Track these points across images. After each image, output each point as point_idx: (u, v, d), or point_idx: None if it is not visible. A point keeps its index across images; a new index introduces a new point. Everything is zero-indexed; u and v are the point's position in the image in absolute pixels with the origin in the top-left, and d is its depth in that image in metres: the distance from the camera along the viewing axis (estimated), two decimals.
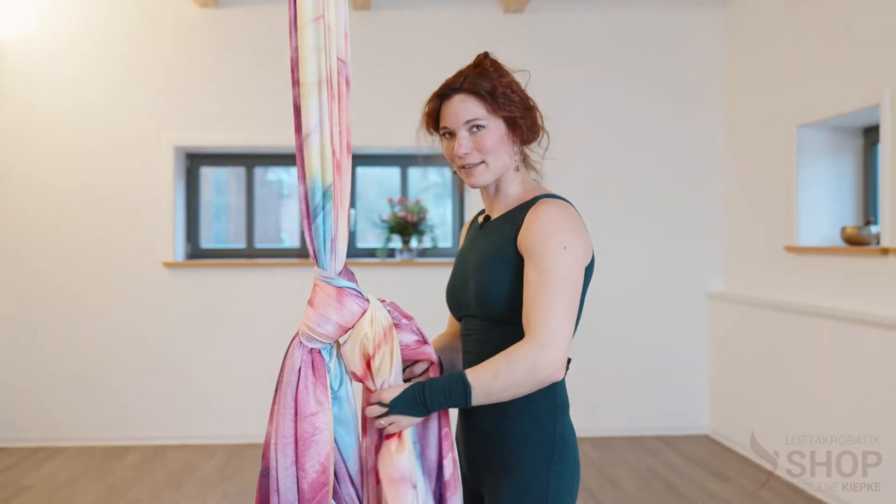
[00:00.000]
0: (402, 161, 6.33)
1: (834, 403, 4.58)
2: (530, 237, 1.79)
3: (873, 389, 4.26)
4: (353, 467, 1.85)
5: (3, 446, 5.77)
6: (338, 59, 1.76)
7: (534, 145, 2.02)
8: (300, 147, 1.77)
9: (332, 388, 1.81)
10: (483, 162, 1.90)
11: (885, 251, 4.28)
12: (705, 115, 6.16)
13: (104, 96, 5.89)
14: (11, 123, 5.84)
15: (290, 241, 6.64)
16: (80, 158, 5.87)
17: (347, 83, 1.78)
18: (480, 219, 2.06)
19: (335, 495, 1.81)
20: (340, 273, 1.82)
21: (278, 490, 1.76)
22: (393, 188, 6.44)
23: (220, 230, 6.56)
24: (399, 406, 1.75)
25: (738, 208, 5.94)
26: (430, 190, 6.59)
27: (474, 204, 6.01)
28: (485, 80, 1.88)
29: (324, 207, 1.77)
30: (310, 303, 1.82)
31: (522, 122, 1.90)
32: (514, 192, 1.96)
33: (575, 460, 1.88)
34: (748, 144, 5.79)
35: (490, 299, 1.84)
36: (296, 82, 1.77)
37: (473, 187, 1.95)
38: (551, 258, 1.75)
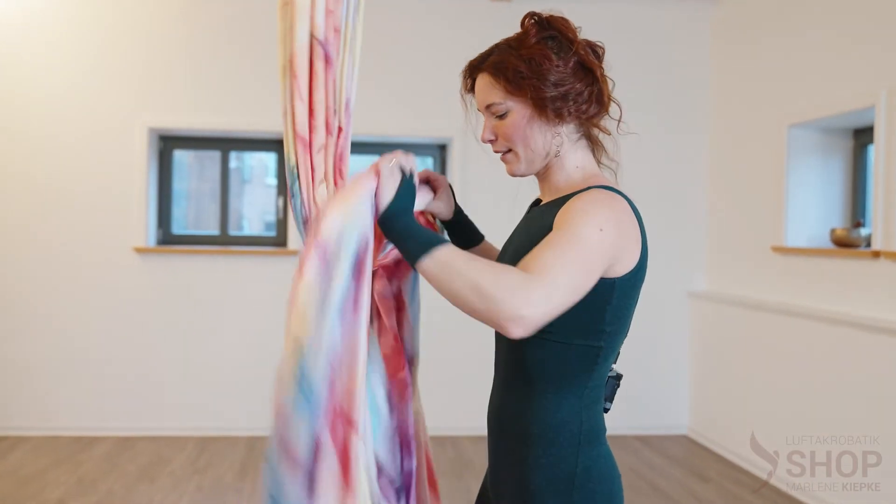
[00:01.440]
0: (381, 149, 6.19)
1: (819, 405, 4.55)
2: (564, 212, 1.53)
3: (860, 392, 4.23)
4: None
5: None
6: (311, 37, 1.64)
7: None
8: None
9: None
10: (511, 150, 1.68)
11: (876, 254, 4.25)
12: (692, 112, 6.12)
13: (77, 77, 5.69)
14: None
15: (250, 228, 6.50)
16: (50, 139, 5.66)
17: (328, 61, 1.64)
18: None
19: None
20: None
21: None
22: None
23: (179, 215, 6.37)
24: (402, 184, 1.54)
25: (724, 207, 5.90)
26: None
27: (467, 193, 5.90)
28: (508, 54, 1.63)
29: (292, 187, 1.67)
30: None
31: (552, 102, 1.60)
32: (563, 179, 1.69)
33: (605, 498, 1.60)
34: (736, 143, 5.75)
35: None
36: None
37: (512, 175, 1.73)
38: (582, 228, 1.47)
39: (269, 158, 6.37)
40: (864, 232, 4.63)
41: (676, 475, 5.09)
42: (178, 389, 5.76)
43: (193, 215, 6.51)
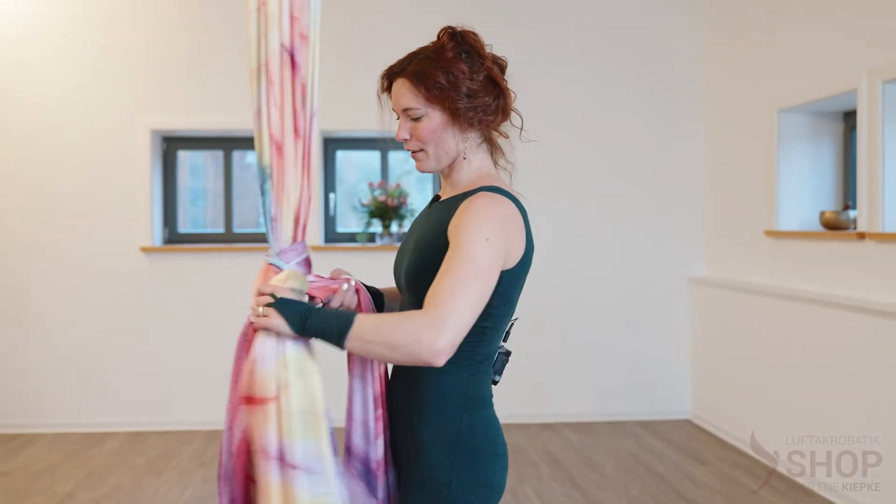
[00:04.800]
0: (383, 144, 6.29)
1: (815, 387, 4.59)
2: (455, 225, 1.74)
3: (854, 373, 4.27)
4: None
5: None
6: (280, 45, 1.81)
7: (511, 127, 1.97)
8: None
9: None
10: (423, 150, 1.88)
11: (862, 235, 4.29)
12: (685, 98, 6.15)
13: (79, 79, 5.82)
14: None
15: (258, 226, 6.61)
16: (54, 142, 5.80)
17: (294, 66, 1.80)
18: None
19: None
20: (282, 253, 1.82)
21: (221, 450, 1.84)
22: (373, 172, 6.41)
23: (197, 214, 6.50)
24: (283, 306, 1.72)
25: (719, 193, 5.94)
26: (412, 174, 6.56)
27: None
28: (428, 65, 1.82)
29: (263, 187, 1.81)
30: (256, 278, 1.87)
31: (465, 112, 1.81)
32: (463, 179, 1.90)
33: (489, 456, 1.82)
34: (728, 128, 5.78)
35: (418, 282, 1.82)
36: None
37: (421, 171, 1.95)
38: (471, 246, 1.68)
39: None
40: (852, 214, 4.67)
41: (674, 459, 5.14)
42: (187, 385, 5.88)
43: (212, 214, 6.62)
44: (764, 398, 5.09)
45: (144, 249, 5.83)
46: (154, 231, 5.92)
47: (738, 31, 5.67)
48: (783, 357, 4.91)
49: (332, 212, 6.21)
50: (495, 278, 1.71)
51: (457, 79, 1.80)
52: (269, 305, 1.73)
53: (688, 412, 6.15)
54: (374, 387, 1.87)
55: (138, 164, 5.86)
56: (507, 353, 1.92)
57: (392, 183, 6.24)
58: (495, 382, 1.90)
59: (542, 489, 4.59)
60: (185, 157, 6.35)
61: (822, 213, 4.81)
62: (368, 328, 1.66)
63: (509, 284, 1.80)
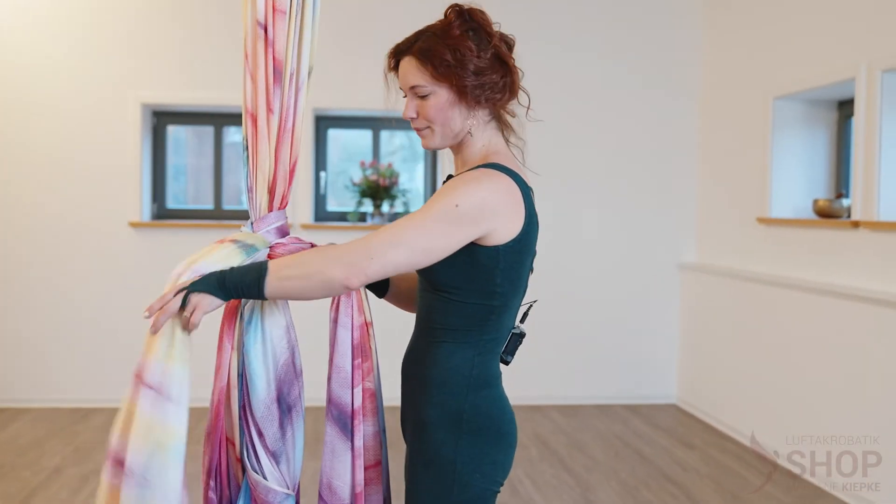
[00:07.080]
0: (374, 123, 6.26)
1: (804, 373, 4.62)
2: (441, 188, 1.78)
3: (844, 360, 4.30)
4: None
5: None
6: (255, 19, 1.87)
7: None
8: None
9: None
10: (429, 127, 1.86)
11: (856, 224, 4.31)
12: (681, 84, 6.15)
13: (69, 51, 5.74)
14: None
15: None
16: (44, 114, 5.72)
17: (266, 41, 1.87)
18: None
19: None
20: (256, 221, 1.94)
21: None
22: (365, 151, 6.37)
23: (179, 190, 6.44)
24: (198, 286, 1.75)
25: (712, 179, 5.95)
26: (398, 154, 6.54)
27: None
28: (435, 42, 1.80)
29: (243, 157, 1.94)
30: None
31: (472, 90, 1.79)
32: (470, 157, 1.89)
33: (493, 435, 1.83)
34: (723, 115, 5.79)
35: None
36: None
37: (425, 148, 1.94)
38: (435, 204, 1.71)
39: None
40: (845, 203, 4.68)
41: (662, 443, 5.17)
42: None
43: (193, 190, 6.58)
44: (750, 385, 5.12)
45: (133, 224, 5.77)
46: (143, 206, 5.86)
47: (736, 18, 5.66)
48: (772, 344, 4.93)
49: (322, 190, 6.18)
50: (451, 239, 1.71)
51: (464, 56, 1.78)
52: (186, 297, 1.76)
53: (674, 397, 6.18)
54: (354, 335, 1.90)
55: (128, 139, 5.79)
56: (522, 335, 1.90)
57: (384, 162, 6.20)
58: (507, 362, 1.90)
59: (533, 472, 4.59)
60: (172, 131, 6.28)
61: (815, 201, 4.83)
62: (285, 261, 1.75)
63: (511, 261, 1.78)
